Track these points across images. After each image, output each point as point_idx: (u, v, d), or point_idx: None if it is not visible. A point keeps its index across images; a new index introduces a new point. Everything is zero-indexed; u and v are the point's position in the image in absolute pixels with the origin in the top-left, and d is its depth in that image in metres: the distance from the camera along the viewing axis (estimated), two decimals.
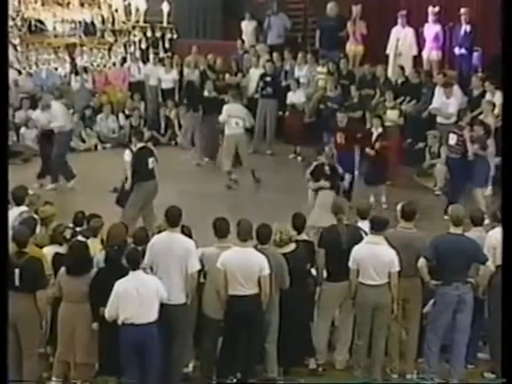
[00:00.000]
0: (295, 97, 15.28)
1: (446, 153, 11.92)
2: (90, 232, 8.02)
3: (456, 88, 13.50)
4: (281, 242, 7.60)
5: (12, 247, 7.19)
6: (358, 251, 7.55)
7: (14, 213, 8.29)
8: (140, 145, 10.77)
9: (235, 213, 10.94)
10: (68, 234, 8.07)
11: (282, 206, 11.62)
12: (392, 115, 13.33)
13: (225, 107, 13.40)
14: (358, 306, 7.67)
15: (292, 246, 7.66)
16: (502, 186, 7.57)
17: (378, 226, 7.56)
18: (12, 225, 7.94)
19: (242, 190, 13.30)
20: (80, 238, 7.92)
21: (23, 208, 8.53)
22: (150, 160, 10.66)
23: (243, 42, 17.48)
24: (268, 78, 15.71)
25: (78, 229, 8.43)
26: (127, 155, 10.65)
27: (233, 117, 13.16)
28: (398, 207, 7.95)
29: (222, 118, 13.35)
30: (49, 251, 7.72)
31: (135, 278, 6.93)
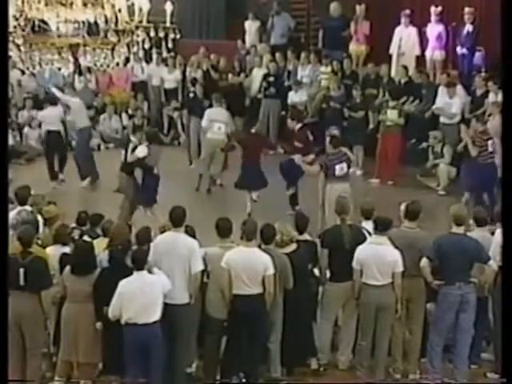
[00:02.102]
0: (296, 96, 15.28)
1: (483, 159, 11.48)
2: (101, 233, 8.03)
3: (459, 88, 13.51)
4: (282, 242, 7.59)
5: (17, 247, 7.20)
6: (361, 251, 7.55)
7: (12, 213, 8.30)
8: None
9: (238, 213, 10.99)
10: (76, 234, 8.10)
11: (285, 206, 11.65)
12: (392, 115, 13.36)
13: (207, 111, 13.23)
14: (361, 307, 7.67)
15: (293, 247, 7.65)
16: (502, 186, 7.56)
17: (382, 227, 7.56)
18: (11, 224, 7.95)
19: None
20: (87, 238, 7.94)
21: (25, 207, 8.54)
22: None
23: (244, 42, 17.51)
24: (271, 78, 15.73)
25: (84, 229, 8.46)
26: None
27: (215, 121, 12.94)
28: (402, 207, 7.95)
29: (204, 122, 13.18)
30: (52, 251, 7.73)
31: (139, 277, 6.93)
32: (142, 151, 10.86)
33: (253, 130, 12.01)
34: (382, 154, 13.53)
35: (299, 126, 12.05)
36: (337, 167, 10.33)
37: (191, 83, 15.72)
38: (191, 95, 15.01)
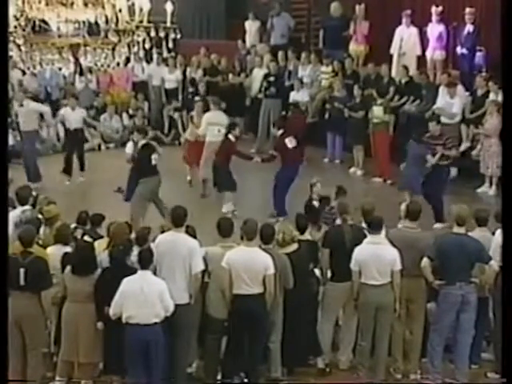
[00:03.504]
0: (298, 96, 15.27)
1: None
2: (104, 233, 8.02)
3: (460, 88, 13.50)
4: (283, 242, 7.59)
5: (17, 247, 7.20)
6: (359, 252, 7.53)
7: (17, 212, 8.31)
8: (143, 142, 10.90)
9: (239, 212, 11.00)
10: (79, 233, 8.09)
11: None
12: (378, 112, 13.46)
13: (205, 115, 12.90)
14: (361, 307, 7.67)
15: (294, 246, 7.65)
16: (502, 186, 7.55)
17: (375, 226, 7.56)
18: (15, 223, 7.96)
19: (246, 190, 13.27)
20: (88, 238, 7.93)
21: (26, 207, 8.54)
22: (153, 156, 10.79)
23: (244, 42, 17.51)
24: (272, 78, 15.73)
25: (87, 228, 8.46)
26: (129, 148, 10.98)
27: (214, 124, 12.64)
28: (403, 207, 7.95)
29: (202, 127, 12.77)
30: (53, 251, 7.72)
31: (142, 277, 6.94)
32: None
33: (230, 136, 11.89)
34: (373, 152, 13.72)
35: (280, 132, 11.98)
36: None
37: (191, 83, 15.71)
38: (191, 95, 15.01)
